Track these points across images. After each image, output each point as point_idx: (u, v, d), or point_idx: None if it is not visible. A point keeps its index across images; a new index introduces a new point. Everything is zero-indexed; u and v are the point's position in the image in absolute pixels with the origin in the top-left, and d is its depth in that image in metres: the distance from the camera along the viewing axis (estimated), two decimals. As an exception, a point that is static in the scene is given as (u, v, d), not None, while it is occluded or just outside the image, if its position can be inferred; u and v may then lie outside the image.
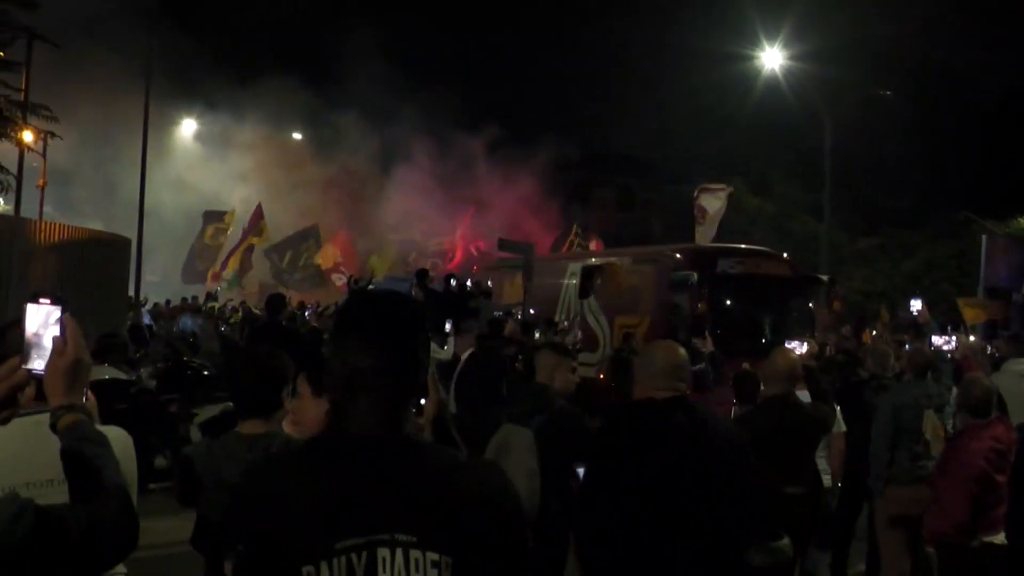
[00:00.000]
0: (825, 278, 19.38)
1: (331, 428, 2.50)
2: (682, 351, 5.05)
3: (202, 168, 43.43)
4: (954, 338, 9.60)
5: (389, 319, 2.57)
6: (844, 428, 8.51)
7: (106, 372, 11.23)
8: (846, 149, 33.62)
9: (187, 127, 45.98)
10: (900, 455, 8.08)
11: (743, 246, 20.43)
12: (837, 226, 34.92)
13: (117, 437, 3.24)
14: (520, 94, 44.59)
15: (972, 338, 18.71)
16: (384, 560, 2.33)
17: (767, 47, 32.82)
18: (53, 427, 2.64)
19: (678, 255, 18.33)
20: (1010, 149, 37.23)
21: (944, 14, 39.14)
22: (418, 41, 44.36)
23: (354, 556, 2.31)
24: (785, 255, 20.05)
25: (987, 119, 38.53)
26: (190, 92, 42.00)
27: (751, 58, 33.25)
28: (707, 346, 13.03)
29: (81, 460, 2.59)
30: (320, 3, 42.86)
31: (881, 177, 39.95)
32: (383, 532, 2.34)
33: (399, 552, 2.34)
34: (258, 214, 35.90)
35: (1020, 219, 34.64)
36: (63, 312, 2.68)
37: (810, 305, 18.28)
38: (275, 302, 14.29)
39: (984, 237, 28.18)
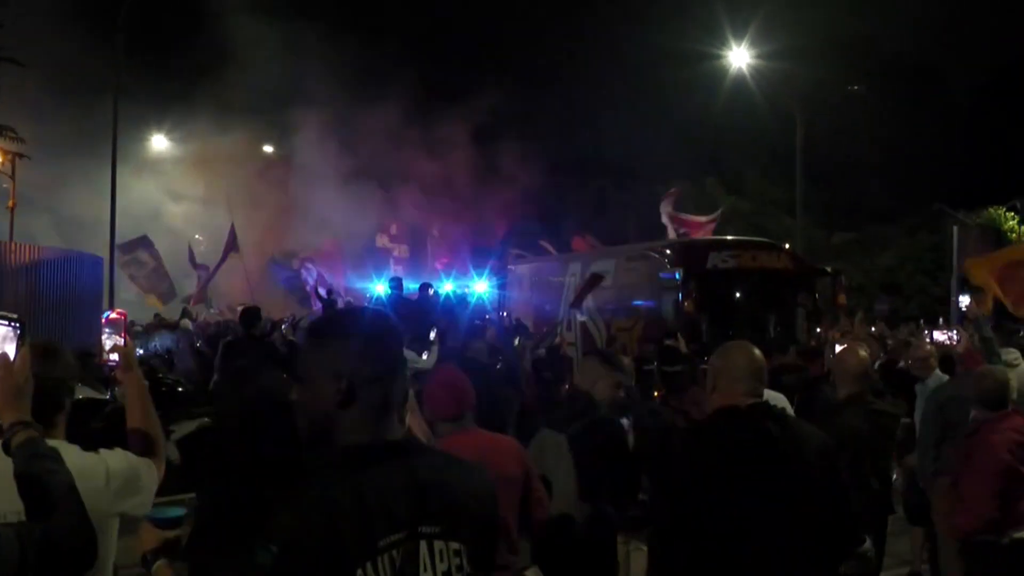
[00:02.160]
0: (829, 269, 18.03)
1: (326, 439, 2.58)
2: (758, 352, 4.75)
3: (166, 184, 43.22)
4: (955, 332, 9.43)
5: (374, 327, 2.67)
6: None
7: (80, 392, 11.11)
8: (819, 145, 33.76)
9: (148, 146, 45.55)
10: (946, 448, 7.84)
11: (738, 238, 19.40)
12: (812, 222, 35.05)
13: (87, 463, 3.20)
14: (488, 99, 44.39)
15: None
16: (417, 553, 2.48)
17: (737, 46, 32.93)
18: (6, 445, 2.66)
19: (668, 251, 17.38)
20: (982, 141, 37.48)
21: (914, 9, 39.33)
22: (384, 48, 44.05)
23: (395, 552, 2.43)
24: (787, 246, 19.01)
25: (959, 111, 38.78)
26: (153, 110, 41.53)
27: (723, 57, 33.35)
28: (680, 347, 12.34)
29: (33, 478, 2.61)
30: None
31: (855, 172, 40.11)
32: (412, 527, 2.47)
33: (423, 544, 2.49)
34: (232, 235, 35.58)
35: (991, 209, 34.87)
36: (16, 331, 2.73)
37: (815, 299, 17.02)
38: (249, 316, 13.77)
39: (955, 228, 28.35)
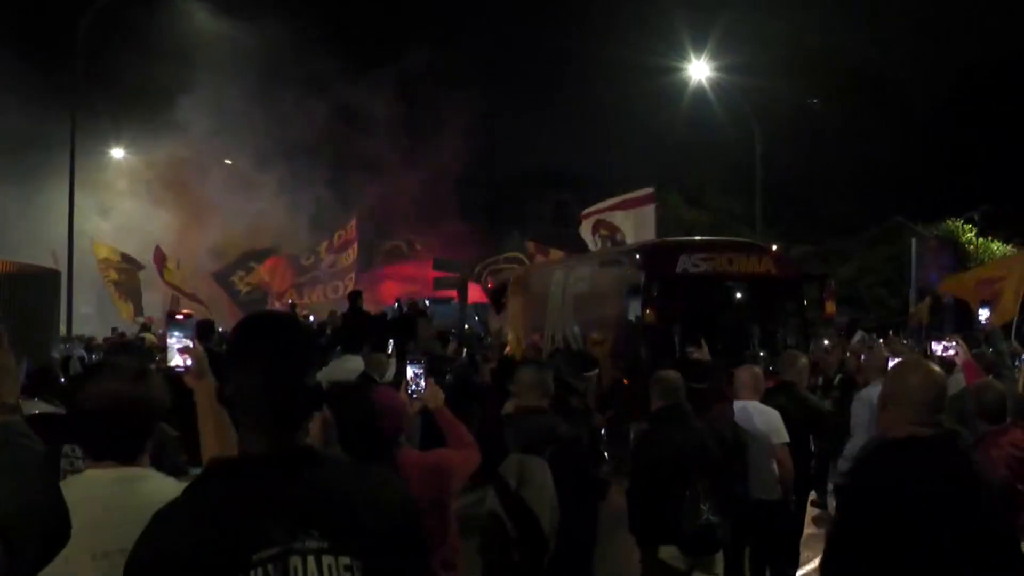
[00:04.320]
0: (818, 274, 16.44)
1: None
2: (941, 375, 4.27)
3: (124, 197, 42.73)
4: (955, 343, 9.19)
5: (268, 339, 2.63)
6: (787, 439, 8.24)
7: (37, 407, 10.94)
8: (779, 158, 33.94)
9: (109, 157, 44.95)
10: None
11: (714, 238, 17.92)
12: (773, 235, 35.20)
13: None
14: (448, 110, 44.41)
15: (906, 341, 18.58)
16: (296, 568, 2.39)
17: (697, 59, 33.08)
18: None
19: (637, 255, 15.65)
20: (940, 153, 37.83)
21: (873, 23, 39.74)
22: (345, 56, 43.93)
23: (269, 567, 2.36)
24: (775, 247, 17.48)
25: (918, 124, 39.14)
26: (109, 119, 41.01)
27: (683, 70, 33.48)
28: (704, 357, 10.51)
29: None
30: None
31: (815, 185, 40.39)
32: (294, 541, 2.39)
33: (311, 559, 2.40)
34: (159, 257, 35.24)
35: (948, 221, 35.18)
36: None
37: (801, 307, 15.40)
38: (203, 328, 13.73)
39: (914, 241, 28.55)
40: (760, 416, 8.36)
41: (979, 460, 4.14)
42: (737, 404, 8.46)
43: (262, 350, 2.59)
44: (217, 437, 3.52)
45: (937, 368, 4.33)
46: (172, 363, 3.56)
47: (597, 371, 9.06)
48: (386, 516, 2.54)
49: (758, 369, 9.16)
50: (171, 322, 3.64)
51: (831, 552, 4.22)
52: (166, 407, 3.35)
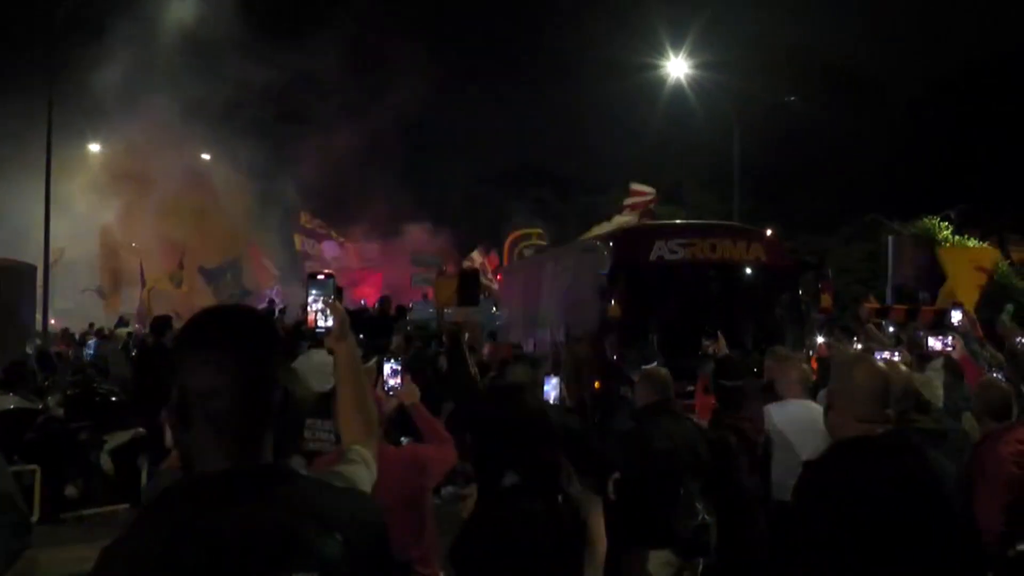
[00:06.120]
0: (814, 262, 14.96)
1: (185, 469, 2.23)
2: (883, 368, 4.14)
3: (101, 193, 42.40)
4: (951, 338, 9.04)
5: (228, 334, 2.26)
6: None
7: (11, 402, 10.91)
8: (757, 156, 34.02)
9: (83, 152, 44.54)
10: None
11: (696, 222, 16.66)
12: (750, 231, 35.27)
13: None
14: (426, 107, 44.34)
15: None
16: None
17: (675, 56, 33.15)
18: None
19: (610, 242, 14.17)
20: (918, 151, 38.00)
21: (852, 21, 39.88)
22: (323, 55, 43.81)
23: None
24: (769, 231, 15.89)
25: (895, 122, 39.29)
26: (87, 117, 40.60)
27: (662, 67, 33.55)
28: (722, 349, 9.64)
29: None
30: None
31: (792, 182, 40.49)
32: (281, 573, 2.08)
33: None
34: (178, 259, 35.18)
35: (925, 219, 35.32)
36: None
37: (797, 298, 13.84)
38: (160, 324, 13.91)
39: (890, 238, 28.58)
40: (810, 415, 7.88)
41: (935, 459, 4.06)
42: (791, 403, 7.78)
43: (222, 347, 2.23)
44: (356, 407, 3.05)
45: (878, 362, 4.30)
46: (316, 325, 3.24)
47: (655, 363, 8.72)
48: (364, 538, 2.25)
49: (807, 365, 8.68)
50: (311, 282, 3.35)
51: (789, 561, 4.11)
52: (311, 398, 3.02)
